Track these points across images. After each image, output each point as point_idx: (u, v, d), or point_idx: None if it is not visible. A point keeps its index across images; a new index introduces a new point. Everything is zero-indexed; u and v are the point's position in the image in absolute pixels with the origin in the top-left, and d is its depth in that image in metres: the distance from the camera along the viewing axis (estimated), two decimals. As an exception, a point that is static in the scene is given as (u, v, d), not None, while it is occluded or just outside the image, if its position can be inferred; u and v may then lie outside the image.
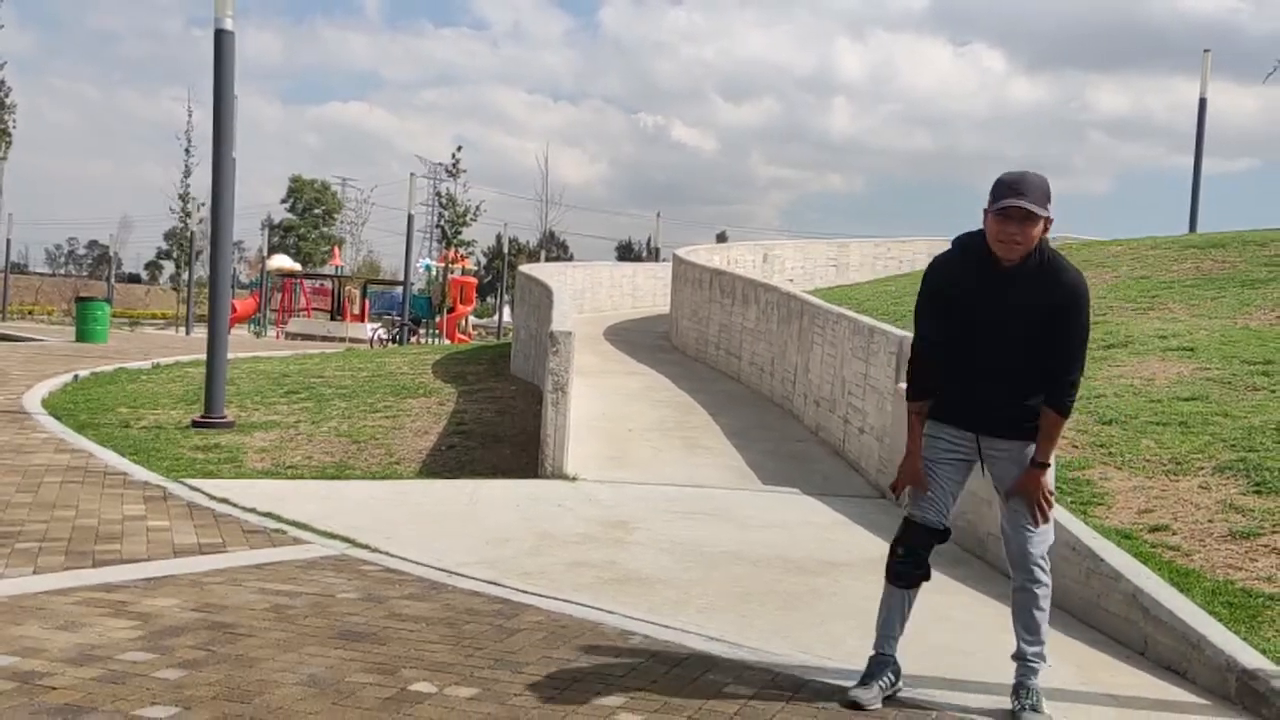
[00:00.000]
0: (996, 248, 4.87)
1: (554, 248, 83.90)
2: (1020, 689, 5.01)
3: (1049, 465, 5.10)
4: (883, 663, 5.10)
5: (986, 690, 5.32)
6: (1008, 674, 5.18)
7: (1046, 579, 5.11)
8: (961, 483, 5.25)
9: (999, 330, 4.95)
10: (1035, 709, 4.91)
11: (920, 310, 5.25)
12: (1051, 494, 5.10)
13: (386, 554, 7.57)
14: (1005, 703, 5.08)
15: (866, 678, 5.04)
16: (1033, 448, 5.06)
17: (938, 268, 5.17)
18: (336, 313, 49.80)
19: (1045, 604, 5.12)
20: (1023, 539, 5.09)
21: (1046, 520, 5.08)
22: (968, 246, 5.05)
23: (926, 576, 5.19)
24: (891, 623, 5.16)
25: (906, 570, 5.12)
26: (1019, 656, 5.10)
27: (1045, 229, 4.85)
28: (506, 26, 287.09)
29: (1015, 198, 4.75)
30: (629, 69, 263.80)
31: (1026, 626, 5.10)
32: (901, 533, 5.17)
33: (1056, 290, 4.88)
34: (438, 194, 45.95)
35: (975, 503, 8.32)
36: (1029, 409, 5.04)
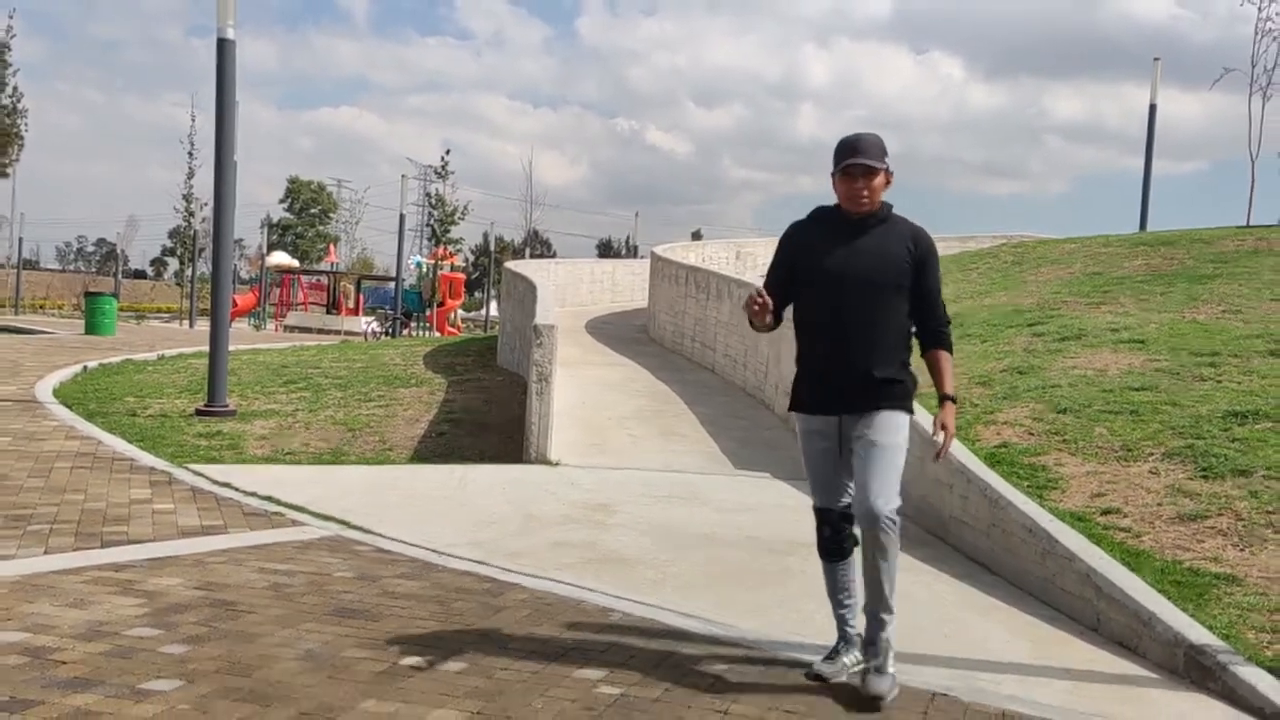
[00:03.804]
0: (847, 204, 4.91)
1: (538, 245, 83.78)
2: (870, 645, 4.84)
3: (955, 397, 5.05)
4: (847, 639, 5.06)
5: (946, 664, 5.33)
6: (966, 649, 5.19)
7: (894, 530, 4.74)
8: (846, 465, 4.95)
9: (858, 279, 4.86)
10: (880, 670, 4.76)
11: (770, 271, 5.16)
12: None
13: (379, 535, 7.55)
14: (964, 678, 5.09)
15: (832, 653, 5.02)
16: (893, 415, 4.85)
17: (791, 233, 5.14)
18: (332, 307, 49.65)
19: (893, 557, 4.77)
20: (868, 490, 4.77)
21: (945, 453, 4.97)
22: (819, 215, 5.09)
23: (854, 545, 5.04)
24: (841, 599, 5.06)
25: (836, 546, 5.01)
26: (868, 611, 4.86)
27: (887, 182, 4.92)
28: (488, 36, 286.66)
29: (855, 156, 4.82)
30: (605, 76, 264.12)
31: (873, 582, 4.80)
32: (818, 521, 5.06)
33: (917, 241, 4.95)
34: (427, 195, 45.92)
35: (937, 487, 8.34)
36: (890, 374, 4.87)
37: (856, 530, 4.91)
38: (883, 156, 4.87)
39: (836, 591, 5.08)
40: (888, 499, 4.75)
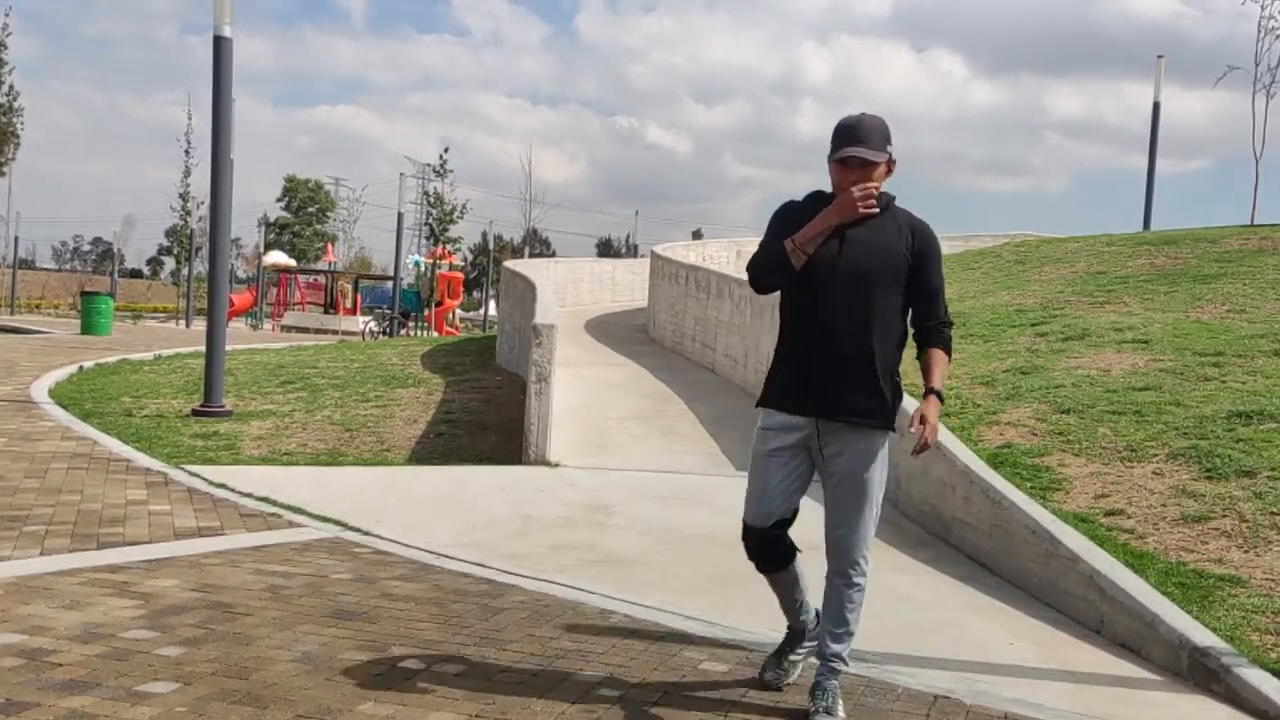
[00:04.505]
0: (842, 194, 4.50)
1: (537, 244, 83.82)
2: (817, 689, 4.53)
3: (942, 394, 4.64)
4: (790, 638, 4.93)
5: (947, 667, 5.33)
6: (969, 652, 5.17)
7: (864, 579, 4.59)
8: (798, 474, 4.64)
9: (851, 272, 4.46)
10: (830, 711, 4.44)
11: (761, 245, 4.66)
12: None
13: (377, 537, 7.55)
14: (966, 680, 5.09)
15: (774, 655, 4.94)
16: (875, 437, 4.53)
17: (782, 213, 4.66)
18: (330, 306, 49.66)
19: (860, 603, 4.61)
20: (846, 533, 4.56)
21: (929, 447, 4.58)
22: (816, 196, 4.66)
23: (792, 555, 4.78)
24: (786, 602, 4.87)
25: (770, 559, 4.75)
26: (821, 655, 4.61)
27: (888, 171, 4.54)
28: (486, 34, 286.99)
29: (852, 145, 4.44)
30: (604, 74, 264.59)
31: (835, 623, 4.58)
32: (744, 535, 4.79)
33: (915, 233, 4.57)
34: (426, 193, 45.94)
35: (940, 488, 8.33)
36: (874, 380, 4.50)
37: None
38: (885, 145, 4.48)
39: (786, 598, 4.87)
40: (867, 543, 4.57)
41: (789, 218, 4.61)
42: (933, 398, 4.56)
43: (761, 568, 4.82)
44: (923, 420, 4.48)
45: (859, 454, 4.52)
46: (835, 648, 4.55)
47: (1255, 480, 7.33)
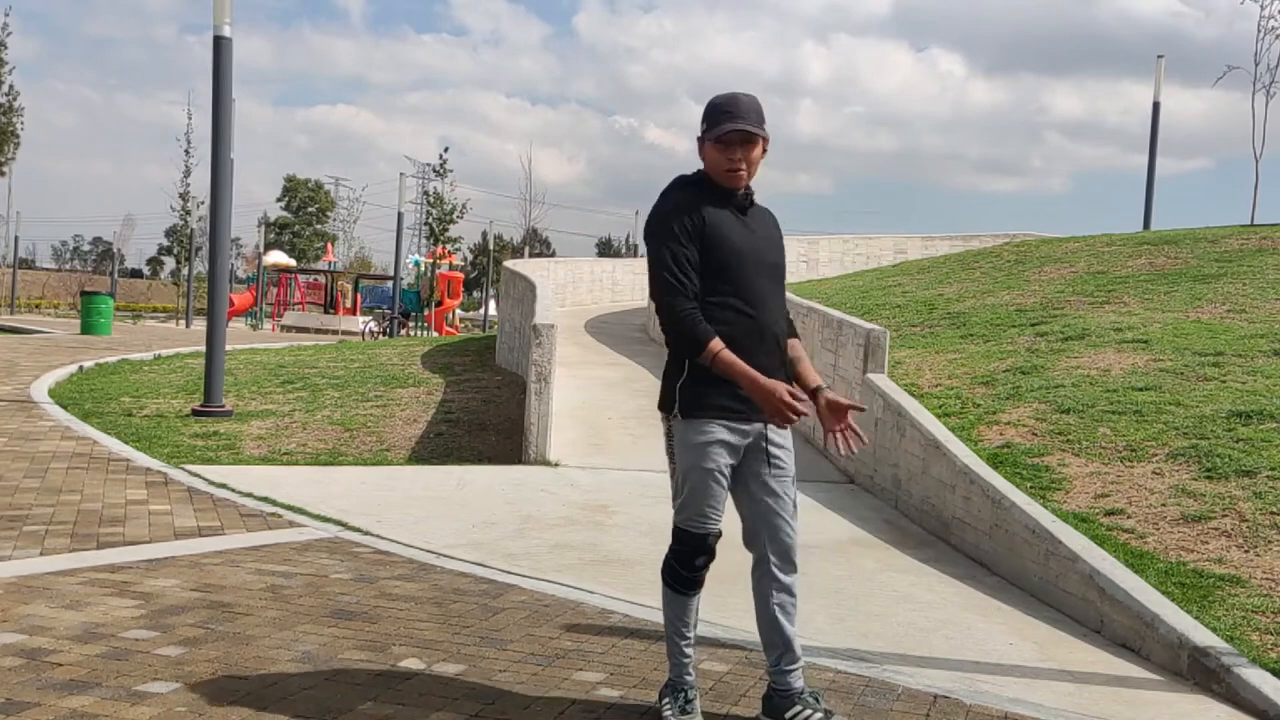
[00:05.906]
0: (723, 178, 4.26)
1: (537, 244, 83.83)
2: (803, 693, 4.36)
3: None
4: (692, 684, 4.41)
5: (947, 667, 5.33)
6: (969, 652, 5.15)
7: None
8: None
9: (764, 264, 4.30)
10: (830, 711, 4.32)
11: (679, 259, 4.22)
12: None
13: (377, 536, 7.55)
14: (966, 680, 5.08)
15: (686, 703, 4.34)
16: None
17: (685, 207, 4.24)
18: (330, 306, 49.71)
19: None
20: (793, 538, 4.46)
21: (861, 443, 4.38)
22: (696, 186, 4.32)
23: None
24: (690, 638, 4.44)
25: (704, 575, 4.45)
26: (794, 663, 4.41)
27: (764, 151, 4.31)
28: (485, 33, 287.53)
29: (732, 121, 4.18)
30: (604, 74, 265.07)
31: (791, 626, 4.44)
32: (694, 549, 4.42)
33: (778, 229, 4.47)
34: (425, 193, 45.97)
35: (940, 488, 8.33)
36: (785, 366, 4.39)
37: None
38: (761, 123, 4.25)
39: (690, 627, 4.45)
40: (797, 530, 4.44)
41: (697, 213, 4.23)
42: (829, 391, 4.40)
43: (697, 587, 4.47)
44: (841, 408, 4.32)
45: (790, 448, 4.43)
46: (799, 647, 4.44)
47: (1255, 480, 7.34)
